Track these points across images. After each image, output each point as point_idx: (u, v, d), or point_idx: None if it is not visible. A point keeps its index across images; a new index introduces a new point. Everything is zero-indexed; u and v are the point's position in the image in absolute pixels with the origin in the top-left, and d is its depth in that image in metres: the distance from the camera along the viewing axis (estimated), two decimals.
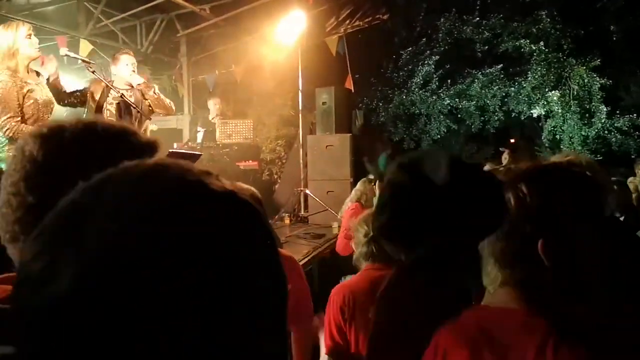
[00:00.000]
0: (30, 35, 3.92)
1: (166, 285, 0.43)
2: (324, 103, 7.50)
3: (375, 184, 4.24)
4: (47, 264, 0.44)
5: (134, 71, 4.95)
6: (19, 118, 3.80)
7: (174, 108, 5.38)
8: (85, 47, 7.13)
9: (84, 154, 0.79)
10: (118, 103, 5.26)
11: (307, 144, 7.45)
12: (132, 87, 4.98)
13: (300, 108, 7.73)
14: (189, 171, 0.50)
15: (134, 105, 5.13)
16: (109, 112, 4.93)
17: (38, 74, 4.15)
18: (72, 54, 5.07)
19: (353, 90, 8.53)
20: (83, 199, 0.48)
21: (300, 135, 7.75)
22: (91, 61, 5.00)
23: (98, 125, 0.84)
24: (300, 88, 7.63)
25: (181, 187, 0.48)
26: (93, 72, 4.89)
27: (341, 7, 8.18)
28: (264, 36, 7.93)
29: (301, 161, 7.41)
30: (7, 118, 3.75)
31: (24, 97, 3.83)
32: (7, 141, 3.90)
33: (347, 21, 8.21)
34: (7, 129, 3.74)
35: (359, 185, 5.44)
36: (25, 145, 0.81)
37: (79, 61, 5.07)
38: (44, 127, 0.84)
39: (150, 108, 5.08)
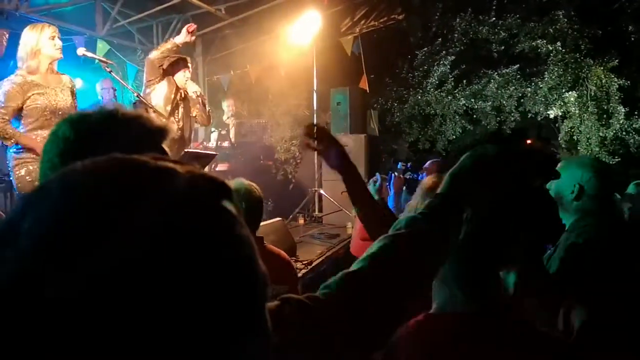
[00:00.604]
0: (54, 37, 3.99)
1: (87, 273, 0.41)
2: (338, 103, 7.49)
3: (389, 184, 4.20)
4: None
5: (189, 78, 5.27)
6: (8, 118, 3.85)
7: (212, 121, 5.69)
8: (102, 47, 7.20)
9: (106, 134, 0.94)
10: (134, 103, 5.33)
11: None
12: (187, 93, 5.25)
13: (314, 108, 7.73)
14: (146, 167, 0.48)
15: (150, 106, 5.20)
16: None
17: (61, 78, 4.18)
18: (89, 54, 5.12)
19: (368, 91, 8.51)
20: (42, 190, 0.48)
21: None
22: (108, 61, 5.06)
23: (118, 111, 0.98)
24: (315, 88, 7.63)
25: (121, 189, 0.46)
26: (110, 71, 4.95)
27: (356, 7, 8.16)
28: (279, 36, 7.95)
29: (315, 161, 7.41)
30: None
31: (26, 100, 3.88)
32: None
33: (363, 21, 8.20)
34: None
35: (371, 188, 5.40)
36: (58, 129, 0.97)
37: (96, 61, 5.13)
38: (74, 114, 1.00)
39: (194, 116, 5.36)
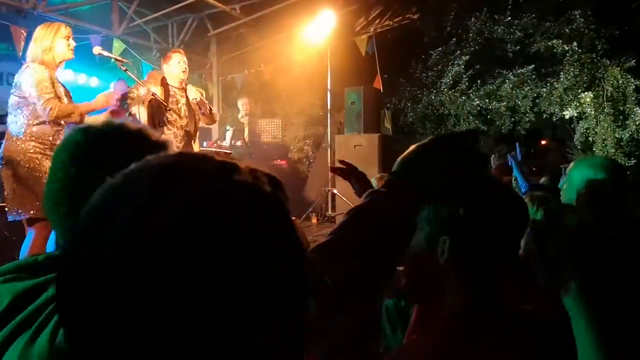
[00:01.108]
0: (68, 37, 4.02)
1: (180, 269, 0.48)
2: (352, 103, 7.50)
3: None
4: (89, 243, 0.52)
5: (185, 70, 5.22)
6: (57, 97, 3.85)
7: (217, 119, 5.63)
8: (118, 46, 7.27)
9: (113, 143, 1.02)
10: (150, 101, 5.37)
11: (335, 144, 7.46)
12: (185, 86, 5.22)
13: (328, 107, 7.74)
14: (211, 163, 0.56)
15: (164, 104, 5.24)
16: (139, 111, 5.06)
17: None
18: (105, 53, 5.17)
19: (382, 91, 8.50)
20: (106, 200, 0.54)
21: (328, 134, 7.77)
22: (124, 60, 5.10)
23: (125, 125, 1.08)
24: (329, 88, 7.64)
25: (204, 178, 0.53)
26: (125, 70, 4.99)
27: (371, 6, 8.16)
28: (294, 36, 7.97)
29: (329, 161, 7.42)
30: (48, 99, 3.82)
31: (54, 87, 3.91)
32: (22, 134, 3.91)
33: (377, 21, 8.19)
34: (50, 109, 3.79)
35: (376, 183, 5.34)
36: (72, 134, 1.07)
37: (112, 60, 5.18)
38: (85, 123, 1.14)
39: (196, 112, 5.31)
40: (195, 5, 7.64)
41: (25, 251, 3.72)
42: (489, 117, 10.89)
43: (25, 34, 6.33)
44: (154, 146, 1.05)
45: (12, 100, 3.93)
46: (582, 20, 9.56)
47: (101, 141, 1.04)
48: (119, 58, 5.09)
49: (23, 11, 6.39)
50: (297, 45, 7.99)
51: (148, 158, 0.57)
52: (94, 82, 7.94)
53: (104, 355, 0.50)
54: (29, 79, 3.82)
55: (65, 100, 3.98)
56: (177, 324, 0.48)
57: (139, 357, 0.49)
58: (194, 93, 5.28)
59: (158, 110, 5.31)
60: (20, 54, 6.56)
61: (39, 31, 4.00)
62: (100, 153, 0.99)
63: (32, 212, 3.82)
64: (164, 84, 5.26)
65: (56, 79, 4.04)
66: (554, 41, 9.72)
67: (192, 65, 9.35)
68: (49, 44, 3.93)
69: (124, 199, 0.52)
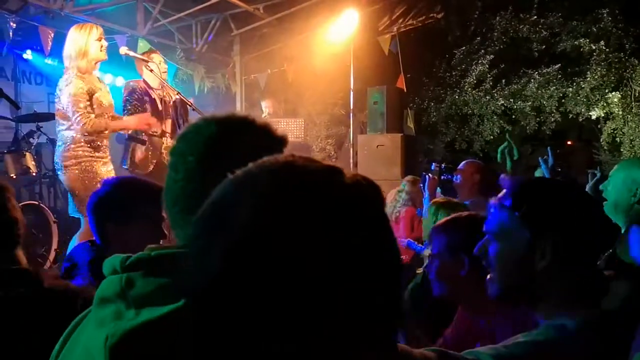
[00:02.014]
0: (100, 38, 4.12)
1: (298, 264, 0.56)
2: (375, 102, 7.46)
3: (424, 186, 4.09)
4: (203, 245, 0.60)
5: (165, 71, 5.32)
6: (93, 114, 4.01)
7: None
8: (143, 46, 7.33)
9: (245, 138, 1.02)
10: (174, 101, 5.43)
11: (357, 144, 7.43)
12: (164, 85, 5.28)
13: (351, 107, 7.72)
14: (315, 166, 0.63)
15: (189, 103, 5.29)
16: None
17: (99, 80, 4.37)
18: (131, 53, 5.25)
19: (405, 90, 8.45)
20: (230, 194, 0.62)
21: (350, 134, 7.75)
22: (149, 60, 5.16)
23: (253, 118, 1.09)
24: (352, 87, 7.62)
25: (311, 181, 0.61)
26: (151, 70, 5.05)
27: (394, 5, 8.11)
28: (317, 35, 7.96)
29: (351, 161, 7.40)
30: (83, 113, 3.97)
31: (92, 97, 4.03)
32: (71, 141, 4.09)
33: (401, 20, 8.14)
34: (84, 123, 3.96)
35: (407, 187, 5.27)
36: (200, 129, 1.03)
37: (137, 59, 5.25)
38: (215, 116, 1.07)
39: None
40: (219, 5, 7.67)
41: (75, 239, 3.97)
42: (513, 117, 10.78)
43: (52, 34, 6.42)
44: (278, 142, 1.08)
45: (56, 109, 4.16)
46: (610, 19, 9.41)
47: (235, 136, 1.02)
48: (144, 58, 5.14)
49: (50, 12, 6.48)
50: (320, 44, 7.98)
51: (265, 158, 0.65)
52: (120, 81, 8.03)
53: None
54: (65, 92, 4.01)
55: (105, 103, 4.14)
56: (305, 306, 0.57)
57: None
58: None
59: (183, 109, 5.38)
60: (48, 54, 6.69)
61: (73, 33, 4.11)
62: (232, 148, 0.98)
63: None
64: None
65: (96, 79, 4.23)
66: (581, 40, 9.58)
67: (216, 64, 9.44)
68: (83, 46, 4.04)
69: (246, 194, 0.60)
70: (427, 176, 4.10)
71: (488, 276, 1.25)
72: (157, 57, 5.26)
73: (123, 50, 5.27)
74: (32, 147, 5.86)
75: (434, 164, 4.24)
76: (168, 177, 1.02)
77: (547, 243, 1.12)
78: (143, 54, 5.41)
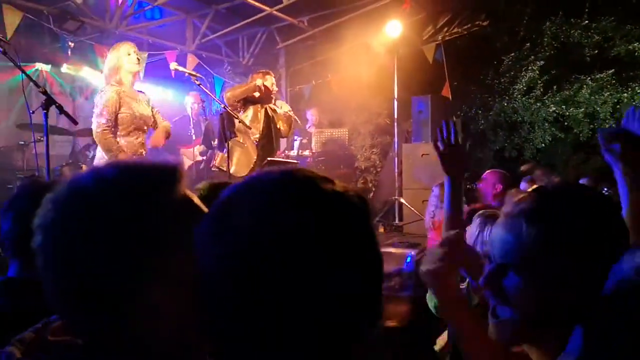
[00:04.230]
0: (130, 53, 4.36)
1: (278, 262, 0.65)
2: (420, 111, 7.43)
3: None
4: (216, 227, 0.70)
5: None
6: (111, 133, 4.22)
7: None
8: (192, 60, 7.58)
9: None
10: (221, 113, 5.60)
11: (402, 153, 7.41)
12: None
13: (395, 116, 7.71)
14: (309, 178, 0.72)
15: (235, 116, 5.44)
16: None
17: (139, 92, 4.60)
18: (180, 68, 5.47)
19: (451, 98, 8.37)
20: (229, 199, 0.72)
21: (395, 143, 7.73)
22: (197, 74, 5.34)
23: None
24: (396, 96, 7.62)
25: (298, 192, 0.69)
26: (199, 84, 5.23)
27: (439, 14, 8.05)
28: (360, 46, 8.01)
29: (396, 170, 7.37)
30: (100, 124, 4.20)
31: (120, 107, 4.25)
32: (100, 155, 4.35)
33: (445, 29, 8.07)
34: (97, 133, 4.22)
35: (435, 191, 5.21)
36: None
37: (186, 74, 5.43)
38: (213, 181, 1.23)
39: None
40: (264, 19, 7.84)
41: None
42: (566, 124, 10.49)
43: (107, 52, 6.72)
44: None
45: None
46: None
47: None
48: (193, 73, 5.34)
49: (105, 31, 6.80)
50: (364, 55, 8.02)
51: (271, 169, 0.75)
52: (169, 95, 8.31)
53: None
54: (97, 101, 4.33)
55: (136, 112, 4.33)
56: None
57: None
58: (286, 107, 6.15)
59: (229, 122, 5.53)
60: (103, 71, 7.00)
61: (108, 56, 4.40)
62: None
63: None
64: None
65: (132, 92, 4.44)
66: (635, 44, 9.27)
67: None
68: (115, 62, 4.32)
69: (246, 199, 0.70)
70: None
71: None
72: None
73: (173, 66, 5.51)
74: (88, 159, 6.12)
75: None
76: None
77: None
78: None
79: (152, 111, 4.62)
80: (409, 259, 4.55)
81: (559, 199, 1.02)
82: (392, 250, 5.26)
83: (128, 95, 4.36)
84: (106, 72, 4.43)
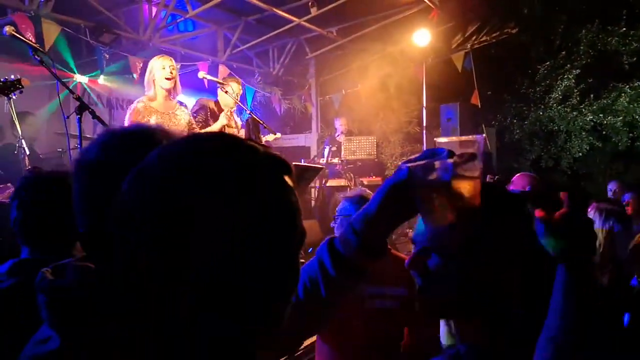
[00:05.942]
0: (165, 67, 4.42)
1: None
2: (448, 119, 7.41)
3: None
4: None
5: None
6: None
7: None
8: (223, 70, 7.77)
9: None
10: (247, 120, 5.73)
11: None
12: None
13: (424, 124, 7.71)
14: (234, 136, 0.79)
15: (261, 122, 5.57)
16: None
17: (175, 104, 4.61)
18: (208, 77, 5.64)
19: (480, 106, 8.31)
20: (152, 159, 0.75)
21: None
22: (225, 83, 5.48)
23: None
24: (425, 105, 7.62)
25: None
26: (226, 92, 5.37)
27: (467, 23, 8.03)
28: (389, 55, 8.05)
29: None
30: None
31: (143, 119, 4.32)
32: None
33: (474, 37, 8.04)
34: None
35: None
36: None
37: (216, 82, 5.59)
38: None
39: None
40: (294, 30, 7.99)
41: None
42: (604, 132, 10.24)
43: (141, 64, 6.96)
44: None
45: None
46: None
47: None
48: (220, 81, 5.48)
49: (140, 43, 7.05)
50: (393, 64, 8.07)
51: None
52: None
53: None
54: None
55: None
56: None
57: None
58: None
59: (255, 128, 5.67)
60: (137, 82, 7.25)
61: (149, 64, 4.49)
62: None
63: None
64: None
65: (166, 105, 4.50)
66: None
67: (292, 87, 9.78)
68: (149, 76, 4.45)
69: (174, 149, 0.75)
70: None
71: None
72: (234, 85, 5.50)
73: (201, 74, 5.69)
74: None
75: (488, 176, 4.16)
76: None
77: None
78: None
79: (190, 126, 4.65)
80: None
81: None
82: None
83: (157, 109, 4.44)
84: (145, 84, 4.55)
